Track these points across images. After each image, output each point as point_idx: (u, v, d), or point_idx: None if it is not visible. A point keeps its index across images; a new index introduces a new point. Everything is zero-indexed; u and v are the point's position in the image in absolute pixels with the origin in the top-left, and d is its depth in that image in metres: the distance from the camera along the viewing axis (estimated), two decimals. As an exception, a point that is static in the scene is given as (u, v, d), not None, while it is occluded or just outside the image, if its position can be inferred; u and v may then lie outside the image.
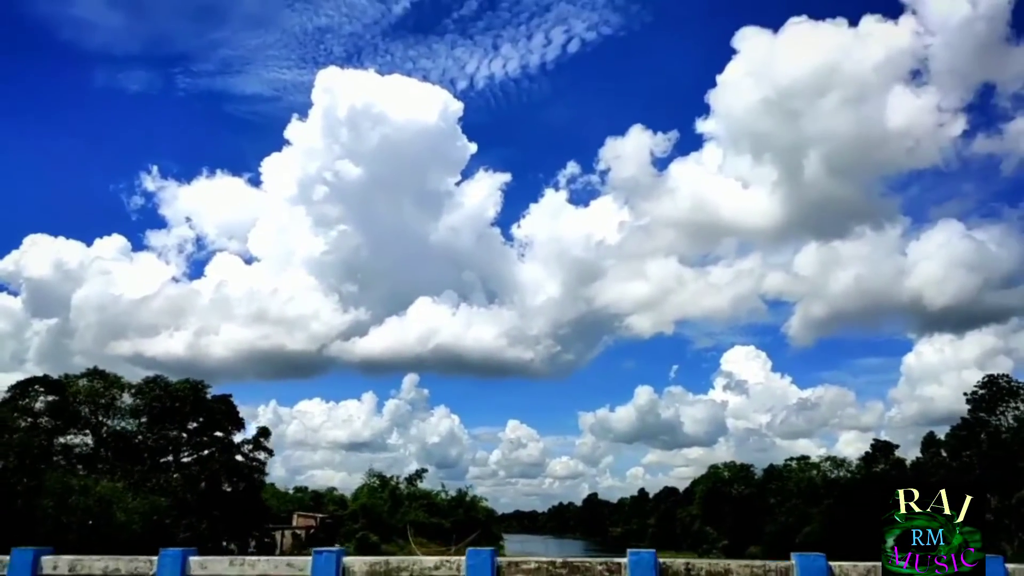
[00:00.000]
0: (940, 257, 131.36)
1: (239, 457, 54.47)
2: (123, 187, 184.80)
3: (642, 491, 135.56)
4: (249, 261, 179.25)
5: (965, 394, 58.76)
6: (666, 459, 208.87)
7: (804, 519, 57.21)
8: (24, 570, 7.43)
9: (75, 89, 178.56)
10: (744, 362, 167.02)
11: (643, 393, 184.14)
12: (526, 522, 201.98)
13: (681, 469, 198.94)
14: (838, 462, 60.17)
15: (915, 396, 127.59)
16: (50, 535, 25.20)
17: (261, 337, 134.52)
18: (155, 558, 7.38)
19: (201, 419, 52.68)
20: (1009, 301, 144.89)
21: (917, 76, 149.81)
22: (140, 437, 50.84)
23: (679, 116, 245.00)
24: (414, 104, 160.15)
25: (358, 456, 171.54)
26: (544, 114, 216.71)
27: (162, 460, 51.21)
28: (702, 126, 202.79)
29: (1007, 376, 57.34)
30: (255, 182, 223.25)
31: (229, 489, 51.27)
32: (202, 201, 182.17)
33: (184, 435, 52.76)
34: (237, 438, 55.60)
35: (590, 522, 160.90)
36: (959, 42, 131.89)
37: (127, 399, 50.48)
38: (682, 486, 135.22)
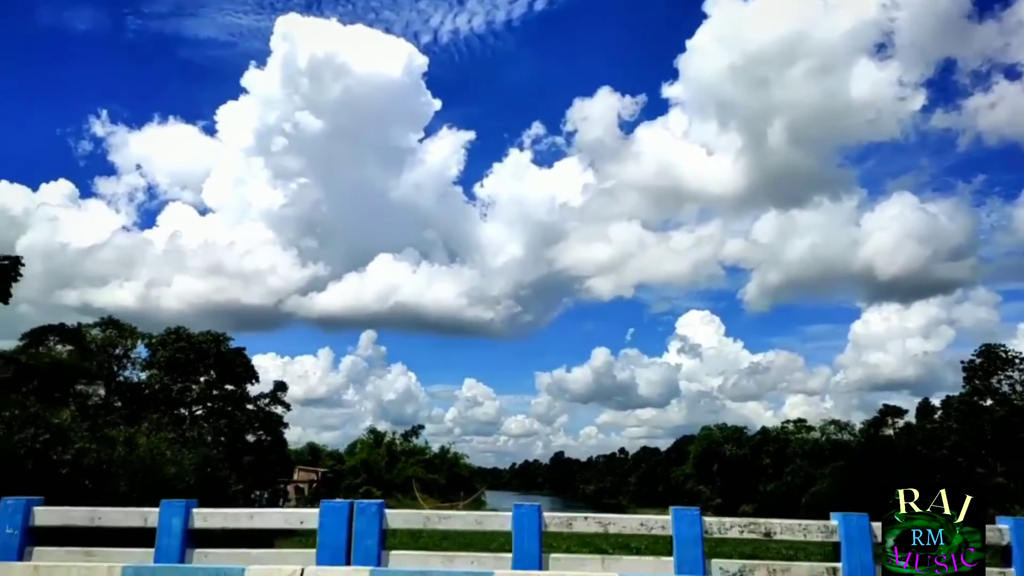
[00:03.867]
0: (893, 229, 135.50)
1: (251, 408, 54.02)
2: (70, 131, 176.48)
3: (622, 450, 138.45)
4: (203, 212, 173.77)
5: (962, 362, 61.19)
6: (619, 419, 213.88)
7: (809, 480, 59.16)
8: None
9: (17, 27, 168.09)
10: (699, 326, 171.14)
11: (600, 355, 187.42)
12: (489, 478, 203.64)
13: (633, 429, 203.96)
14: (841, 425, 62.31)
15: (860, 362, 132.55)
16: (95, 488, 24.18)
17: (216, 290, 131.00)
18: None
19: (218, 371, 51.84)
20: (956, 273, 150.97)
21: (882, 49, 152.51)
22: (157, 387, 49.73)
23: (647, 80, 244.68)
24: (377, 56, 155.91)
25: (312, 412, 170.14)
26: (510, 73, 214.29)
27: (176, 412, 50.28)
28: (668, 91, 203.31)
29: (1003, 346, 59.76)
30: (210, 131, 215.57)
31: (253, 440, 50.79)
32: (154, 148, 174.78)
33: (205, 387, 51.83)
34: (253, 391, 55.08)
35: (560, 480, 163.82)
36: (924, 16, 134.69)
37: (141, 350, 49.25)
38: (633, 447, 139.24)
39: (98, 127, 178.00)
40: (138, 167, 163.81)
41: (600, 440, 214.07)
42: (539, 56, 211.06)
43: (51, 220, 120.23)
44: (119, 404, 47.90)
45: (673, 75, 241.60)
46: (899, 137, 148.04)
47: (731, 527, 6.88)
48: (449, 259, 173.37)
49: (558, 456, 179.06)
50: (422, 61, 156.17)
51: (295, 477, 71.15)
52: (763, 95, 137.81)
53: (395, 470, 77.64)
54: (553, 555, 7.00)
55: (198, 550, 6.86)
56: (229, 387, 53.46)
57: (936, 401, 66.19)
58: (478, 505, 78.56)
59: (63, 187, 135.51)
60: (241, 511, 7.65)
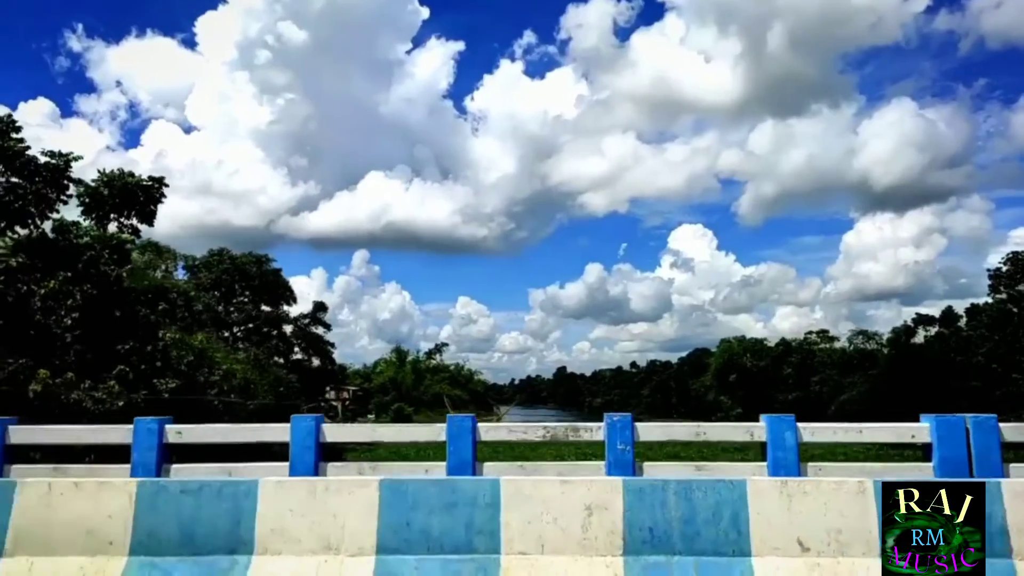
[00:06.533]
0: (890, 136, 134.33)
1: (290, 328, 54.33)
2: (46, 47, 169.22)
3: (633, 364, 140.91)
4: (188, 130, 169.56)
5: (988, 270, 61.97)
6: (612, 334, 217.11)
7: (837, 389, 60.53)
8: None
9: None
10: (691, 240, 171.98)
11: (593, 270, 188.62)
12: (493, 394, 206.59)
13: (625, 343, 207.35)
14: (869, 335, 63.44)
15: (851, 273, 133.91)
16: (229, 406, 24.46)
17: (206, 212, 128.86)
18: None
19: (259, 292, 51.86)
20: (951, 181, 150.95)
21: None
22: (202, 308, 49.82)
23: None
24: None
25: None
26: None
27: (221, 334, 50.46)
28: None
29: (1031, 252, 60.27)
30: (189, 43, 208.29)
31: (303, 358, 51.48)
32: (133, 64, 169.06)
33: (250, 306, 52.01)
34: (293, 312, 55.27)
35: (566, 394, 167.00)
36: None
37: (180, 273, 49.04)
38: (628, 361, 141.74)
39: (74, 42, 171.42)
40: (118, 84, 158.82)
41: (593, 355, 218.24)
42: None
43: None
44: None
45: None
46: (901, 40, 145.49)
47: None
48: (441, 176, 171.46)
49: (561, 371, 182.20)
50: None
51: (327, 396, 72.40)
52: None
53: (421, 387, 78.90)
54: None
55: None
56: (266, 308, 53.69)
57: (960, 309, 67.62)
58: (493, 420, 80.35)
59: (43, 106, 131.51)
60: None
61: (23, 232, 16.60)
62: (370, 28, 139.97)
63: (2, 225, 16.02)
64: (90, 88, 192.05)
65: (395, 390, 74.77)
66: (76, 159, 16.91)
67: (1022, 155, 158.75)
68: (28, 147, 16.21)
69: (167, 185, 20.23)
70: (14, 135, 15.90)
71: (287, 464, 6.67)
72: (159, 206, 20.13)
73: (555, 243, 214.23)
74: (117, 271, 16.65)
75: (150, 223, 20.18)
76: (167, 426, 6.51)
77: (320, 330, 57.66)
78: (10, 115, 15.87)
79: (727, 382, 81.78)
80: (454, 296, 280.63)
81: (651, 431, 7.20)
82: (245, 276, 50.67)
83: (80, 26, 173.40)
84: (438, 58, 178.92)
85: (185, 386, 17.51)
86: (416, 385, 78.78)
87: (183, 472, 6.30)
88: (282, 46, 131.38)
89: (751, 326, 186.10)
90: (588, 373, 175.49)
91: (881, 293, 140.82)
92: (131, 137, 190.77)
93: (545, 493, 5.17)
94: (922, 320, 56.28)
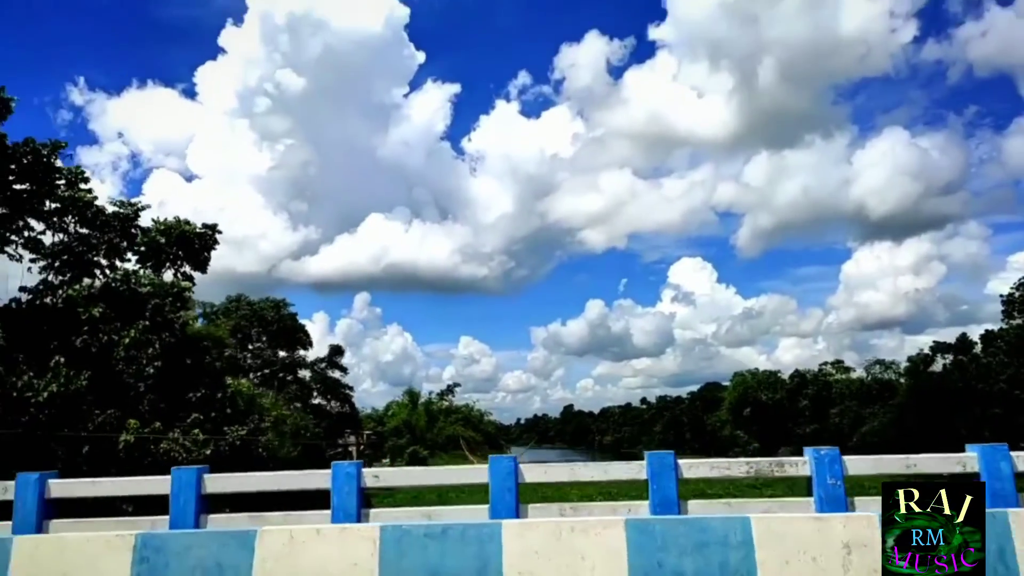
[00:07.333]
0: (884, 165, 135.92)
1: (306, 373, 53.99)
2: (48, 100, 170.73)
3: (644, 400, 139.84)
4: (189, 178, 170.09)
5: (1001, 296, 62.35)
6: (615, 370, 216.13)
7: (858, 420, 60.21)
8: None
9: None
10: (691, 274, 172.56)
11: (594, 307, 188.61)
12: (501, 435, 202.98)
13: (629, 380, 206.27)
14: (886, 364, 63.29)
15: (852, 302, 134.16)
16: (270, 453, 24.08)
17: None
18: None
19: (277, 337, 51.72)
20: (947, 208, 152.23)
21: None
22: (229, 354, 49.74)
23: (635, 21, 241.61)
24: (358, 9, 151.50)
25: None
26: (494, 20, 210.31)
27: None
28: (656, 32, 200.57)
29: (1044, 277, 60.67)
30: (190, 93, 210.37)
31: (323, 403, 51.22)
32: (134, 115, 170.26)
33: (268, 352, 51.87)
34: (310, 356, 55.01)
35: (574, 432, 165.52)
36: None
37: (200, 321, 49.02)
38: (633, 397, 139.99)
39: (76, 95, 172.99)
40: (120, 135, 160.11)
41: (597, 392, 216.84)
42: (523, 2, 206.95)
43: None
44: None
45: (661, 16, 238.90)
46: (890, 71, 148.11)
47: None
48: (440, 216, 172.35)
49: (568, 409, 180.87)
50: (403, 12, 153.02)
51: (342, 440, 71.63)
52: (753, 33, 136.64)
53: (435, 429, 78.14)
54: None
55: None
56: (282, 353, 53.47)
57: (968, 336, 67.75)
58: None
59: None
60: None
61: (87, 282, 16.58)
62: (367, 74, 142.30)
63: (71, 275, 16.01)
64: (92, 140, 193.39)
65: (409, 433, 73.96)
66: (144, 208, 16.99)
67: (1016, 180, 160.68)
68: (96, 197, 16.29)
69: (220, 232, 20.29)
70: (83, 186, 15.98)
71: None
72: (212, 253, 20.16)
73: (555, 280, 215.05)
74: (183, 319, 16.60)
75: (203, 270, 20.14)
76: (363, 470, 6.40)
77: (337, 374, 57.35)
78: (79, 167, 15.99)
79: (742, 416, 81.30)
80: (456, 336, 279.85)
81: (859, 464, 6.79)
82: (263, 321, 50.63)
83: (82, 79, 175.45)
84: (435, 101, 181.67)
85: (249, 433, 17.36)
86: (430, 427, 77.97)
87: (381, 516, 6.16)
88: (281, 94, 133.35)
89: (755, 359, 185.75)
90: (594, 410, 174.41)
91: (883, 322, 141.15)
92: (133, 187, 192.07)
93: (798, 531, 5.06)
94: (939, 348, 56.24)
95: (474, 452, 79.21)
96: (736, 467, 6.23)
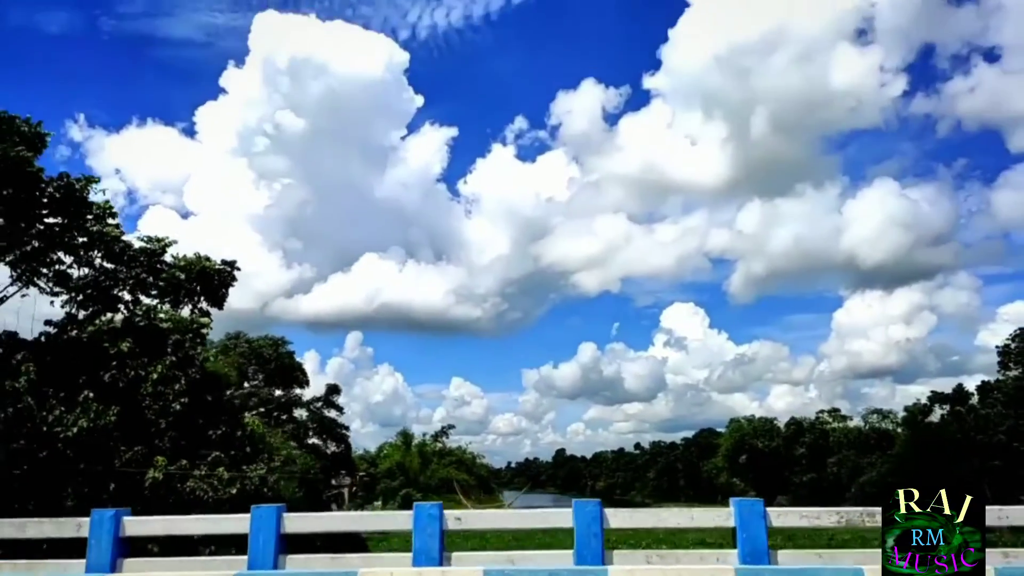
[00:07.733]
0: (875, 215, 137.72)
1: (302, 412, 53.49)
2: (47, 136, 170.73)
3: (637, 445, 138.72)
4: (185, 216, 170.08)
5: (997, 347, 62.76)
6: (607, 414, 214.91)
7: (856, 469, 59.99)
8: None
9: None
10: (684, 319, 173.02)
11: (586, 350, 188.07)
12: (492, 478, 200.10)
13: (620, 424, 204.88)
14: (884, 413, 63.32)
15: (844, 350, 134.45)
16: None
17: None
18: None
19: (275, 375, 51.35)
20: (938, 258, 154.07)
21: (862, 35, 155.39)
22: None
23: (631, 71, 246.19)
24: (358, 53, 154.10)
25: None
26: (491, 67, 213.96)
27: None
28: (651, 82, 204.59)
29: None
30: (189, 132, 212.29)
31: (319, 443, 50.65)
32: (132, 152, 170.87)
33: (264, 391, 51.44)
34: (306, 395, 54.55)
35: (566, 477, 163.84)
36: (904, 1, 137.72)
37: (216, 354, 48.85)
38: (624, 442, 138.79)
39: (75, 131, 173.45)
40: (117, 172, 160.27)
41: (588, 436, 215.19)
42: (520, 49, 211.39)
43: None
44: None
45: (656, 65, 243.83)
46: (880, 124, 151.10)
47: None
48: (435, 257, 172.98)
49: (560, 453, 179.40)
50: (403, 57, 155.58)
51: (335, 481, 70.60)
52: (746, 84, 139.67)
53: (428, 471, 77.30)
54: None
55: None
56: (278, 392, 53.03)
57: (964, 386, 67.97)
58: (500, 506, 78.48)
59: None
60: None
61: (109, 316, 16.52)
62: (366, 116, 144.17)
63: (93, 309, 15.96)
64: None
65: (402, 475, 73.16)
66: (170, 244, 17.03)
67: (1005, 232, 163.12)
68: (123, 232, 16.35)
69: (239, 268, 20.28)
70: (111, 221, 16.03)
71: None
72: (230, 289, 20.14)
73: (548, 323, 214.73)
74: (204, 355, 16.53)
75: (220, 306, 20.08)
76: (444, 511, 6.35)
77: (333, 413, 56.84)
78: (107, 202, 16.04)
79: (738, 463, 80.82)
80: (447, 377, 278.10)
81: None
82: (260, 359, 50.35)
83: (82, 116, 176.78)
84: (432, 143, 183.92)
85: (268, 472, 17.16)
86: (423, 469, 77.17)
87: (464, 560, 6.09)
88: (280, 134, 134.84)
89: (747, 405, 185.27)
90: (584, 454, 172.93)
91: (874, 371, 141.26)
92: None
93: None
94: (936, 398, 56.37)
95: (468, 495, 78.25)
96: (826, 516, 6.23)
